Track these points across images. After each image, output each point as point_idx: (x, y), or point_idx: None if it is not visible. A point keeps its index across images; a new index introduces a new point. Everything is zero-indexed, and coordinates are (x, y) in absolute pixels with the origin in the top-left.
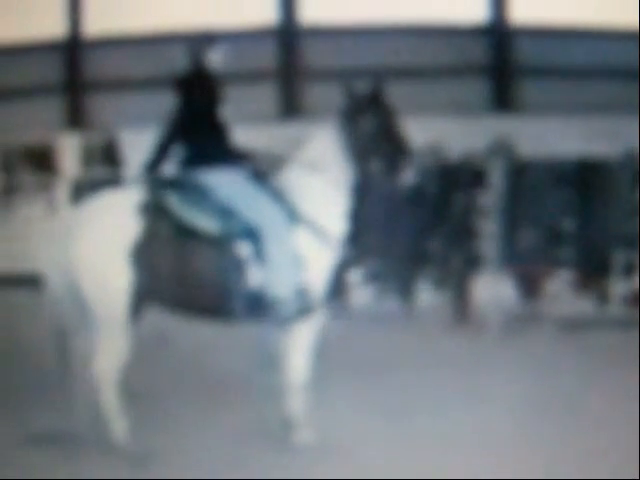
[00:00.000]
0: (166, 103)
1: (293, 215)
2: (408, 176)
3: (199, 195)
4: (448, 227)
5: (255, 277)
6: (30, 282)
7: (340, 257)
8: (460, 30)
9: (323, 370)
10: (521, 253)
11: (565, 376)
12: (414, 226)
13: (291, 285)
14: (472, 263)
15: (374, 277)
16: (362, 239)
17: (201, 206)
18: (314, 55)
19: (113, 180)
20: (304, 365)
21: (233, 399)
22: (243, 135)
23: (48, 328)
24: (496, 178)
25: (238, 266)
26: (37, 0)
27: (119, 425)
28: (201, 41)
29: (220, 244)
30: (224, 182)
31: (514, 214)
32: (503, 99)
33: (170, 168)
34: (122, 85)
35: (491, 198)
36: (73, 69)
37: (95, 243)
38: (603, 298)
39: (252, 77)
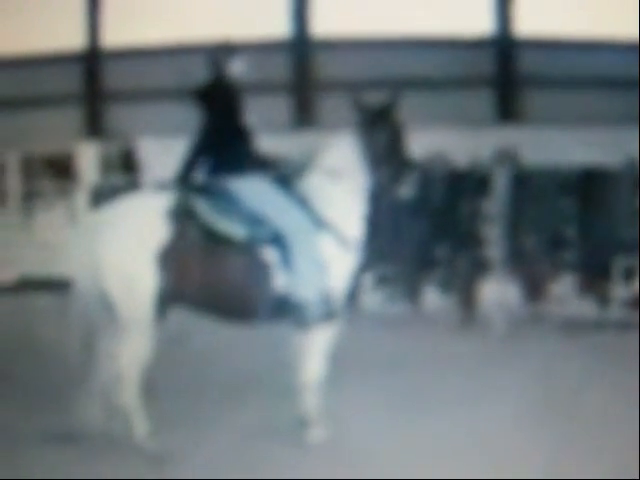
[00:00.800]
0: (182, 112)
1: (317, 221)
2: (406, 189)
3: (226, 201)
4: (455, 233)
5: (281, 282)
6: (51, 286)
7: (357, 262)
8: (466, 43)
9: (334, 370)
10: (525, 257)
11: (567, 375)
12: (422, 232)
13: (316, 290)
14: (478, 267)
15: (383, 281)
16: (372, 244)
17: (228, 212)
18: (326, 67)
19: (131, 187)
20: (320, 366)
21: (248, 398)
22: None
23: (75, 329)
24: (501, 186)
25: (264, 271)
26: (57, 12)
27: (139, 424)
28: (222, 51)
29: (247, 249)
30: (250, 188)
31: (518, 220)
32: (507, 110)
33: (199, 176)
34: (139, 95)
35: (496, 205)
36: (92, 79)
37: (123, 245)
38: (605, 301)
39: (265, 88)
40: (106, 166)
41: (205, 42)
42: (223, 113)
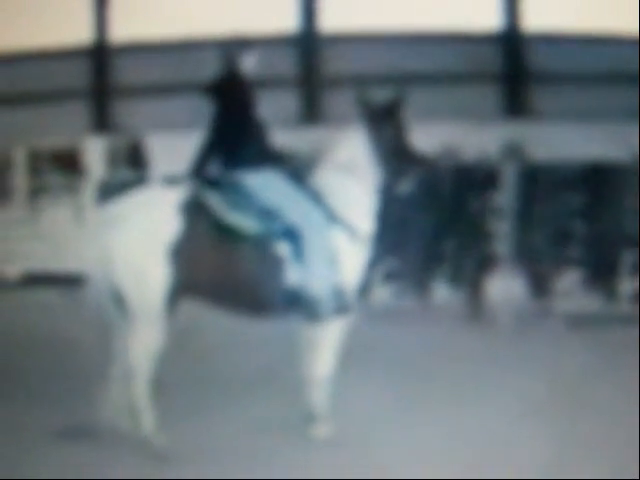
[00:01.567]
0: (190, 107)
1: (330, 215)
2: (405, 187)
3: (239, 195)
4: (462, 227)
5: (294, 276)
6: (58, 281)
7: (369, 257)
8: (474, 38)
9: (342, 364)
10: (532, 252)
11: (573, 370)
12: (430, 226)
13: (328, 284)
14: (485, 262)
15: (392, 275)
16: (381, 239)
17: (241, 206)
18: (333, 62)
19: (138, 182)
20: (331, 360)
21: (258, 392)
22: None
23: (88, 322)
24: (509, 180)
25: (277, 265)
26: (65, 6)
27: (147, 418)
28: (236, 45)
29: (259, 243)
30: (263, 183)
31: (526, 215)
32: (515, 105)
33: (211, 170)
34: (147, 90)
35: (504, 200)
36: (100, 74)
37: (134, 239)
38: (611, 296)
39: (273, 83)
40: (113, 161)
41: (213, 37)
42: (237, 107)
